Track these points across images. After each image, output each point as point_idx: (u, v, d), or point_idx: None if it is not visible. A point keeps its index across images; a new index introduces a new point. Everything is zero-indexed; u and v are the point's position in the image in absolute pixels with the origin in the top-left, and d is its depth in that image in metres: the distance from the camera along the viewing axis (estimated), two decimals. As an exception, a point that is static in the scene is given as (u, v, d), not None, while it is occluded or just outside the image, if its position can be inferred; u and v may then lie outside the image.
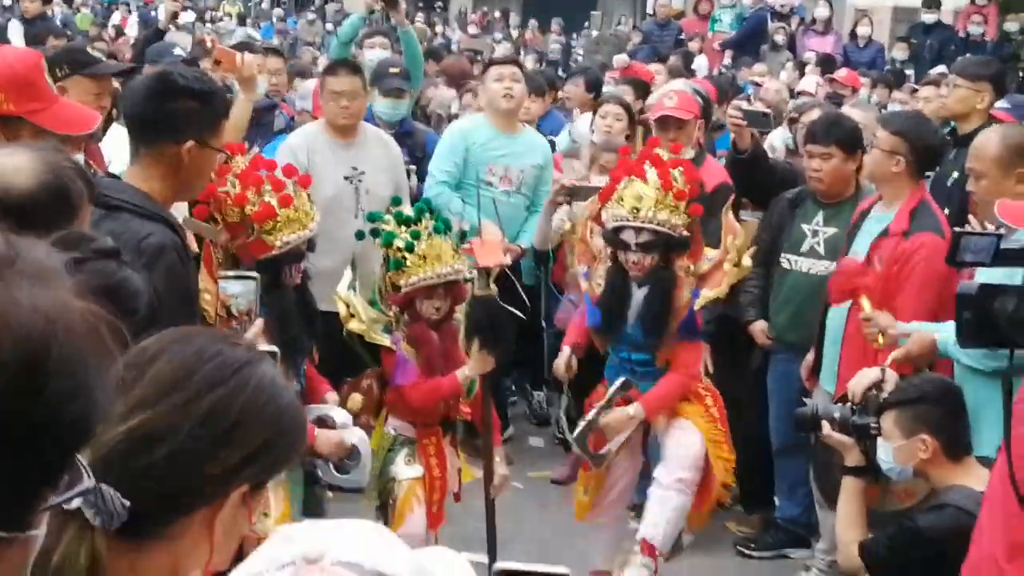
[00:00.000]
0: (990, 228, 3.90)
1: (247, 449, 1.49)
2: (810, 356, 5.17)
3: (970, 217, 4.61)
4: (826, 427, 3.83)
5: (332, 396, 4.28)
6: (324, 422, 4.09)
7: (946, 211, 5.19)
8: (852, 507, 3.73)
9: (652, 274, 4.51)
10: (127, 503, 1.24)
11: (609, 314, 4.66)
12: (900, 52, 14.34)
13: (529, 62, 15.67)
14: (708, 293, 4.51)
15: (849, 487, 3.76)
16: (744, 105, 6.06)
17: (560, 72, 15.61)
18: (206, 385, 1.49)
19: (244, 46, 7.82)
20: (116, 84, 5.38)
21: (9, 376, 0.94)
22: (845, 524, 3.74)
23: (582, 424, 4.67)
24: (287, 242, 4.07)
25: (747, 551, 5.71)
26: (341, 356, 4.90)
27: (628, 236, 4.48)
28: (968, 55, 12.15)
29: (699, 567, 4.88)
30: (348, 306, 4.43)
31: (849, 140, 5.30)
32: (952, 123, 6.52)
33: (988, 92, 6.19)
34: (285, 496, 3.98)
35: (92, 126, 3.39)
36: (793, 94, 9.92)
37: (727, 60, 14.48)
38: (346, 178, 5.96)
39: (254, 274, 3.48)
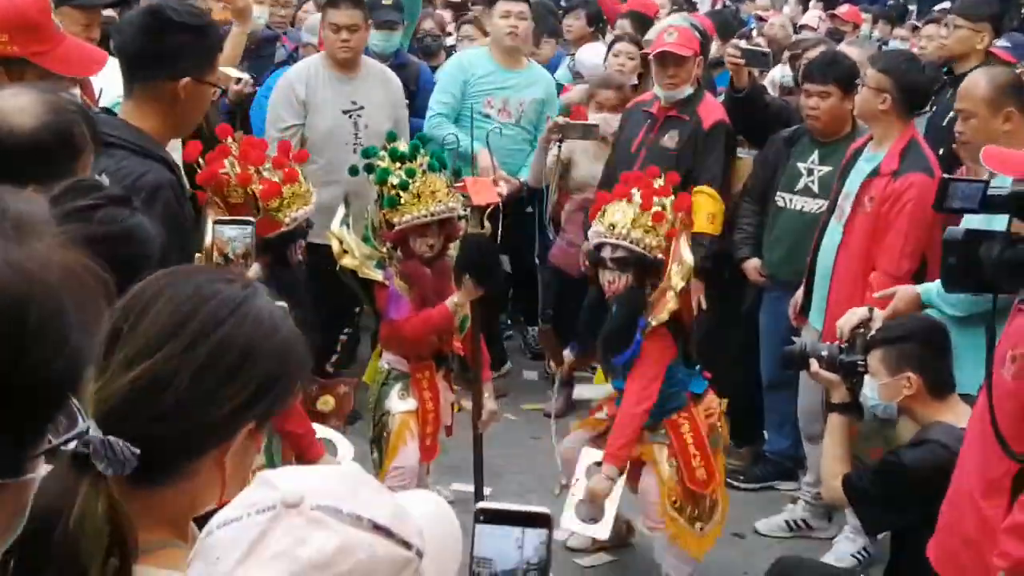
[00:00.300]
0: (975, 170, 3.93)
1: (253, 385, 1.50)
2: (798, 295, 5.22)
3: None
4: (814, 364, 3.89)
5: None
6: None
7: (941, 151, 5.22)
8: (837, 443, 3.81)
9: (624, 293, 4.47)
10: (136, 451, 1.26)
11: (587, 335, 4.67)
12: (906, -14, 14.25)
13: (531, -11, 15.52)
14: (653, 321, 4.43)
15: (834, 424, 3.84)
16: (742, 44, 6.08)
17: (561, 1, 15.45)
18: (207, 325, 1.49)
19: None
20: (113, 12, 5.36)
21: None
22: (830, 459, 3.82)
23: (572, 504, 4.57)
24: (295, 218, 4.09)
25: (736, 483, 5.79)
26: (331, 290, 4.95)
27: (605, 253, 4.47)
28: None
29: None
30: (341, 242, 4.47)
31: (847, 79, 5.29)
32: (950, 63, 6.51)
33: (988, 32, 6.17)
34: None
35: (98, 68, 3.31)
36: (796, 28, 9.88)
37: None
38: (345, 112, 5.99)
39: (250, 219, 3.44)
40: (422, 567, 1.26)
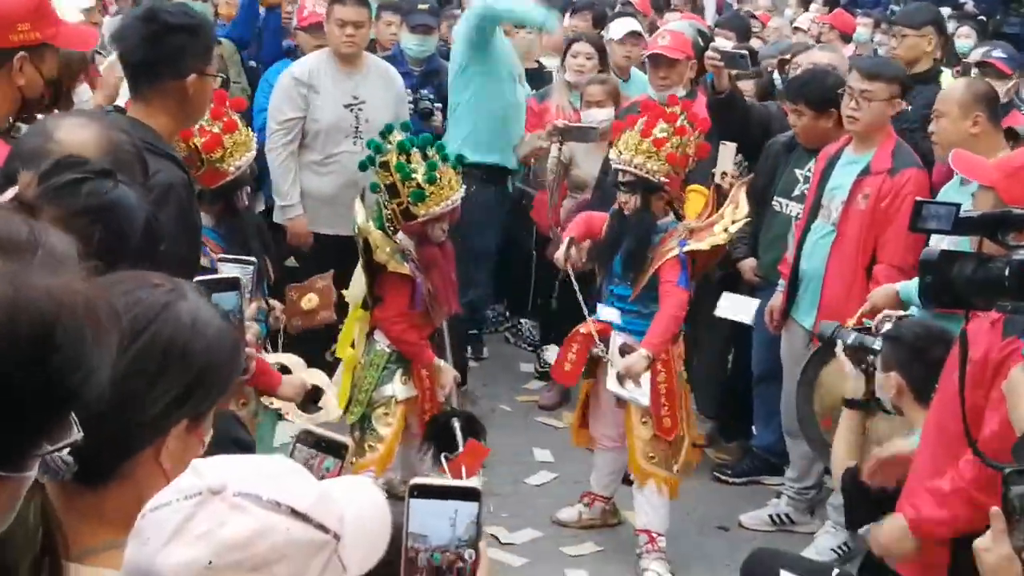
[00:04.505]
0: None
1: (180, 386, 1.59)
2: (775, 302, 5.34)
3: None
4: (839, 347, 3.95)
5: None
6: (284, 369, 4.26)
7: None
8: (844, 434, 3.86)
9: (633, 215, 4.88)
10: (70, 459, 1.30)
11: (604, 246, 5.00)
12: (911, -10, 14.36)
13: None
14: (692, 245, 4.82)
15: (845, 416, 3.89)
16: (721, 46, 6.13)
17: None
18: (130, 333, 1.54)
19: None
20: None
21: (22, 345, 1.14)
22: (837, 451, 3.88)
23: (612, 375, 4.87)
24: (239, 166, 4.27)
25: (723, 476, 5.91)
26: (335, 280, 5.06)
27: (618, 177, 4.90)
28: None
29: (681, 491, 5.09)
30: (369, 238, 4.55)
31: (817, 100, 5.40)
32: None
33: (933, 34, 6.40)
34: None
35: (94, 42, 3.52)
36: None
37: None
38: (346, 106, 6.10)
39: (252, 259, 3.28)
40: (343, 549, 1.35)
